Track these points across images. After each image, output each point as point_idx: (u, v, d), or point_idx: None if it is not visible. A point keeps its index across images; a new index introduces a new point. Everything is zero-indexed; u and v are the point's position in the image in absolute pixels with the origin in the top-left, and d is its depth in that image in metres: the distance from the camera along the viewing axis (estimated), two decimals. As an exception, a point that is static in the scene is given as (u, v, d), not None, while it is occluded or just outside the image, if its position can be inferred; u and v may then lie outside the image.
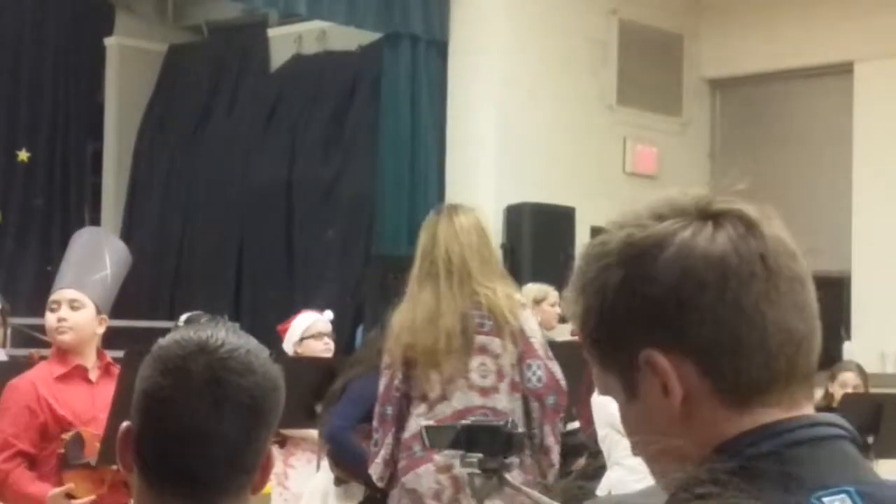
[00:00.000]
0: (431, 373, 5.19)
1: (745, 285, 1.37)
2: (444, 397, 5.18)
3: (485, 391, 5.18)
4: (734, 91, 12.28)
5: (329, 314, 7.44)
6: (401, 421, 5.21)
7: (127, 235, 12.80)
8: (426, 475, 5.12)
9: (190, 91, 12.83)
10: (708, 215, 1.41)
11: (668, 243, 1.38)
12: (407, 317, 5.17)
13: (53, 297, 4.93)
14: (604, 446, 7.13)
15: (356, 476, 5.85)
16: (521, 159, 10.75)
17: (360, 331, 10.57)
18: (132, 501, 1.95)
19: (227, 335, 1.93)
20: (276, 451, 4.32)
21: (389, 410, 5.21)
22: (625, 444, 6.80)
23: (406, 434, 5.20)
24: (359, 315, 10.76)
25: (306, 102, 11.91)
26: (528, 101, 10.82)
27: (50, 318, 4.93)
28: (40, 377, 4.94)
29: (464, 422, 4.03)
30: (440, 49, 10.94)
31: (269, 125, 12.12)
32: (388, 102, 10.97)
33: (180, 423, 1.87)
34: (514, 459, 4.32)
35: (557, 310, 9.05)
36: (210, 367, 1.87)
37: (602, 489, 7.16)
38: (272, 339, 10.78)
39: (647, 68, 11.68)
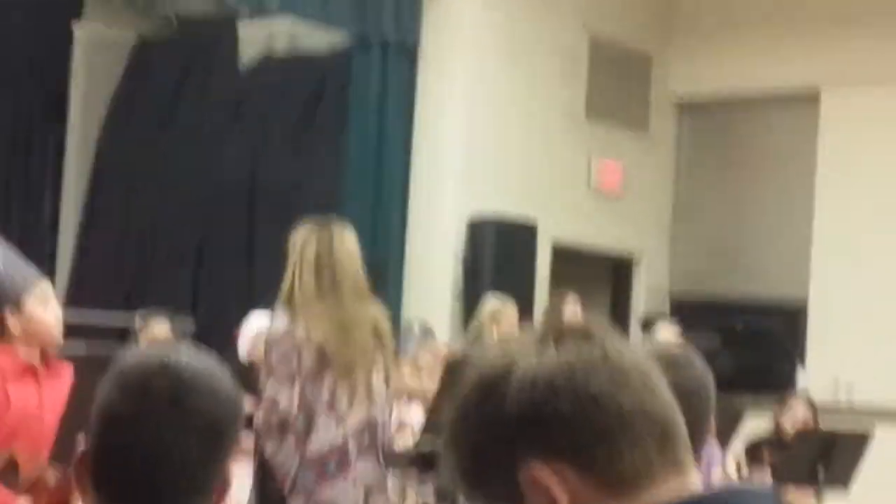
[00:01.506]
0: (342, 384, 5.26)
1: (590, 375, 1.42)
2: (349, 409, 5.21)
3: (377, 404, 5.34)
4: (701, 111, 12.32)
5: None
6: (308, 432, 5.23)
7: (87, 225, 12.73)
8: (343, 493, 5.13)
9: (157, 83, 12.73)
10: (549, 338, 1.47)
11: (515, 367, 1.44)
12: (316, 328, 5.22)
13: None
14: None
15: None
16: (486, 170, 10.75)
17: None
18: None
19: (189, 356, 1.90)
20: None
21: (301, 420, 5.22)
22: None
23: (314, 446, 5.17)
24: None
25: (274, 102, 11.84)
26: (496, 111, 10.82)
27: None
28: None
29: (424, 449, 4.02)
30: (410, 56, 10.92)
31: (236, 122, 12.05)
32: (356, 107, 10.94)
33: (141, 444, 1.85)
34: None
35: (515, 325, 9.03)
36: (172, 388, 1.85)
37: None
38: (230, 338, 10.78)
39: (616, 84, 11.70)
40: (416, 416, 6.47)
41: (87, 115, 12.80)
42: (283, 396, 5.21)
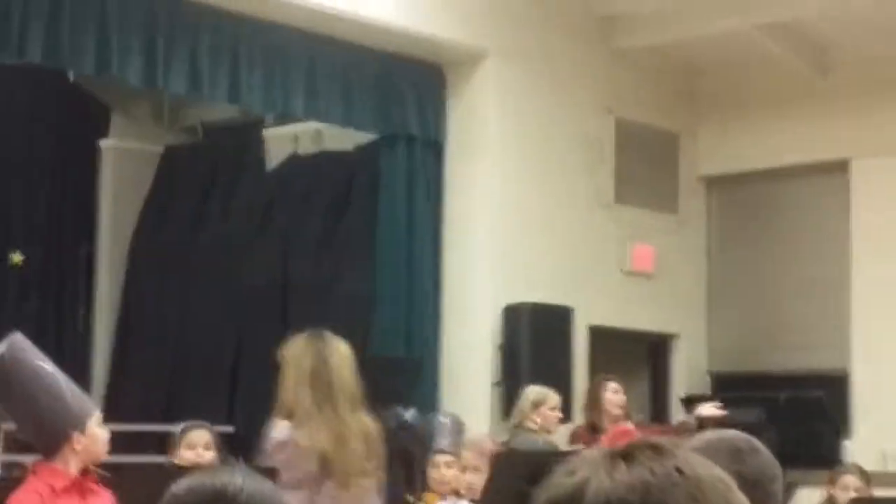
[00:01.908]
0: (342, 493, 5.41)
1: (667, 493, 1.38)
2: None
3: None
4: (730, 188, 12.28)
5: None
6: None
7: (122, 338, 12.73)
8: None
9: (185, 192, 12.80)
10: (618, 455, 1.43)
11: (587, 487, 1.40)
12: (317, 437, 5.37)
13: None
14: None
15: None
16: (519, 259, 10.71)
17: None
18: None
19: (244, 481, 1.86)
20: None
21: None
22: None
23: None
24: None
25: (302, 202, 11.88)
26: (525, 200, 10.80)
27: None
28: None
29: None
30: (436, 149, 10.95)
31: (265, 225, 12.09)
32: (384, 202, 10.95)
33: None
34: None
35: (557, 413, 8.98)
36: None
37: None
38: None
39: (644, 167, 11.69)
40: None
41: (117, 228, 12.86)
42: (293, 502, 5.24)
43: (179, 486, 1.86)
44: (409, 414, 6.55)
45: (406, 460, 6.20)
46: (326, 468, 5.38)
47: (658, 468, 1.39)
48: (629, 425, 9.09)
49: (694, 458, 1.43)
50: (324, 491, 5.37)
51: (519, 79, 10.87)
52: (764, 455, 2.84)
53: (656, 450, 1.42)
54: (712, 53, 11.68)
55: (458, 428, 8.55)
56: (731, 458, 2.68)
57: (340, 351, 5.66)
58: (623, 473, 1.40)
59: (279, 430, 5.48)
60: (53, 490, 4.95)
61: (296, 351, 5.62)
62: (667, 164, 11.97)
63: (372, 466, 5.55)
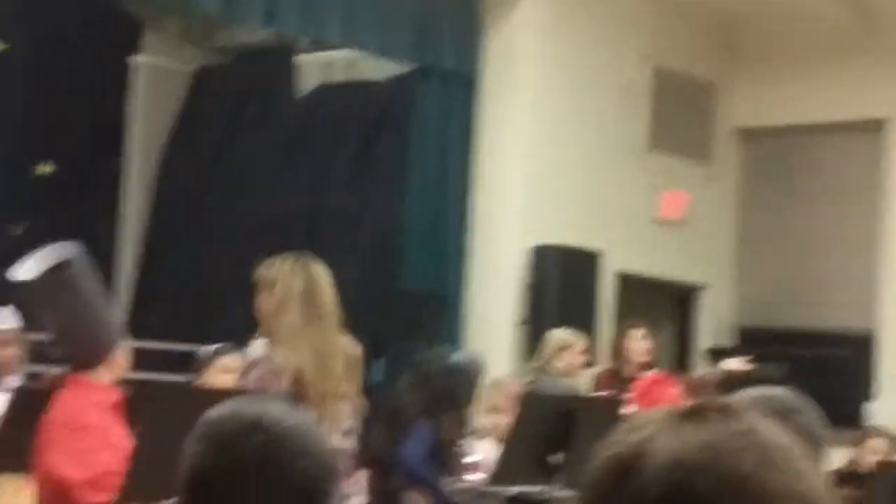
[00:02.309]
0: (315, 412, 5.23)
1: (736, 455, 1.31)
2: None
3: (345, 433, 5.54)
4: (765, 141, 12.14)
5: (259, 344, 7.31)
6: None
7: (146, 257, 12.68)
8: None
9: (216, 113, 12.70)
10: (684, 414, 1.36)
11: (651, 447, 1.33)
12: (293, 356, 5.38)
13: None
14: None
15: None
16: (549, 201, 10.61)
17: (377, 365, 10.42)
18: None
19: (282, 412, 1.77)
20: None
21: None
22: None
23: None
24: (376, 349, 10.57)
25: (333, 131, 11.76)
26: (558, 143, 10.69)
27: None
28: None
29: (510, 491, 3.88)
30: (471, 85, 10.82)
31: (294, 153, 11.98)
32: (416, 136, 10.84)
33: None
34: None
35: (582, 358, 8.90)
36: (266, 446, 1.72)
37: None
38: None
39: (680, 115, 11.55)
40: (487, 451, 6.32)
41: (146, 144, 12.79)
42: None
43: (215, 412, 1.76)
44: (459, 355, 6.49)
45: (452, 402, 6.12)
46: (300, 388, 5.38)
47: (728, 430, 1.32)
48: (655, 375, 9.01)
49: (764, 422, 1.36)
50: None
51: (558, 19, 10.73)
52: (812, 414, 2.75)
53: (726, 411, 1.34)
54: (755, 4, 11.51)
55: (475, 367, 8.48)
56: (781, 416, 2.59)
57: (325, 275, 5.69)
58: (690, 433, 1.32)
59: (255, 347, 5.56)
60: (105, 405, 4.96)
61: (284, 271, 5.64)
62: (703, 114, 11.84)
63: (350, 389, 5.58)
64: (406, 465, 6.05)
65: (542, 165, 10.64)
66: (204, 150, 12.59)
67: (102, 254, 12.44)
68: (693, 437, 1.31)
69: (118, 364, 5.08)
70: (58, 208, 12.33)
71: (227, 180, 12.25)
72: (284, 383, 5.37)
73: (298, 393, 5.34)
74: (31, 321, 5.90)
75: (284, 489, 1.71)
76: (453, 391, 6.18)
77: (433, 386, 6.03)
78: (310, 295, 5.53)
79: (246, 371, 5.43)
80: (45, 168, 12.33)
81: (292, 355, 5.39)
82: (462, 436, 6.14)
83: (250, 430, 1.73)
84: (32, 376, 7.81)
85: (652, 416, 1.37)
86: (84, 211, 12.56)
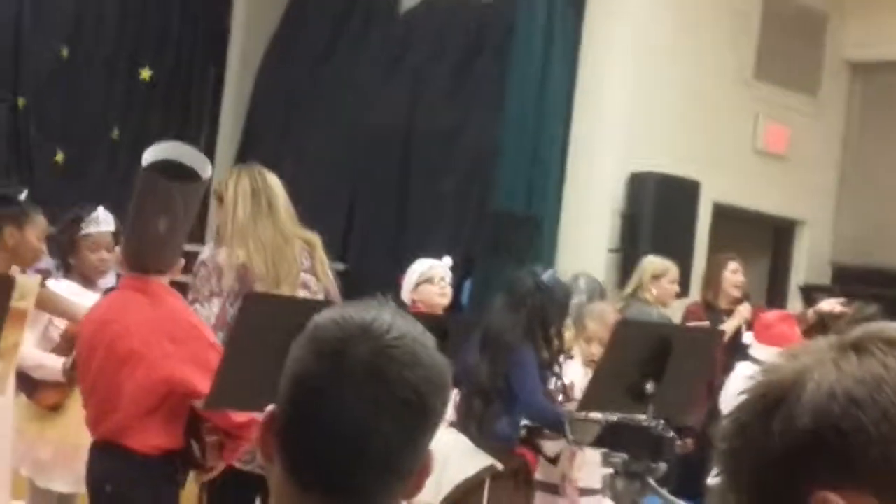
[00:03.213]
0: None
1: None
2: None
3: None
4: (874, 76, 11.85)
5: (448, 260, 7.29)
6: None
7: (240, 165, 12.71)
8: None
9: (317, 24, 12.64)
10: (848, 346, 1.29)
11: (809, 377, 1.27)
12: (242, 253, 5.53)
13: None
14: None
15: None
16: (650, 127, 10.45)
17: (466, 285, 10.38)
18: (271, 494, 1.73)
19: (393, 318, 1.71)
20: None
21: (220, 337, 5.34)
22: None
23: None
24: (467, 270, 10.54)
25: (433, 48, 11.67)
26: (663, 67, 10.51)
27: None
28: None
29: (611, 418, 3.80)
30: (577, 6, 10.64)
31: (394, 69, 11.90)
32: (518, 56, 10.70)
33: (335, 416, 1.65)
34: (661, 465, 4.11)
35: (675, 287, 8.81)
36: (374, 354, 1.65)
37: (714, 475, 6.95)
38: (379, 288, 10.60)
39: (788, 45, 11.29)
40: (577, 376, 6.27)
41: (247, 53, 12.80)
42: (202, 314, 5.46)
43: (322, 318, 1.70)
44: (547, 275, 6.40)
45: (542, 322, 6.05)
46: (245, 280, 5.54)
47: (893, 363, 1.24)
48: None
49: None
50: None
51: (669, -59, 10.52)
52: None
53: (892, 343, 1.26)
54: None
55: (593, 290, 8.39)
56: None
57: (276, 178, 5.82)
58: (852, 365, 1.26)
59: (203, 251, 5.74)
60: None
61: (232, 177, 5.81)
62: (812, 44, 11.56)
63: (309, 278, 5.68)
64: (535, 410, 5.98)
65: (644, 91, 10.48)
66: (303, 61, 12.55)
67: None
68: (854, 370, 1.25)
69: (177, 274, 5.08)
70: (157, 113, 12.39)
71: (326, 93, 12.21)
72: (229, 279, 5.55)
73: (244, 286, 5.51)
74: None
75: (390, 400, 1.65)
76: (546, 311, 6.09)
77: (527, 306, 5.93)
78: (257, 192, 5.66)
79: (195, 272, 5.54)
80: (147, 73, 12.37)
81: (237, 251, 5.56)
82: (556, 358, 6.06)
83: (358, 337, 1.67)
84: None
85: (812, 346, 1.32)
86: (183, 117, 12.62)
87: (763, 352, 6.87)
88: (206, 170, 4.81)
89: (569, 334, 6.27)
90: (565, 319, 6.51)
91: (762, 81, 11.14)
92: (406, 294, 6.98)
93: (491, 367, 5.95)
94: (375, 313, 1.70)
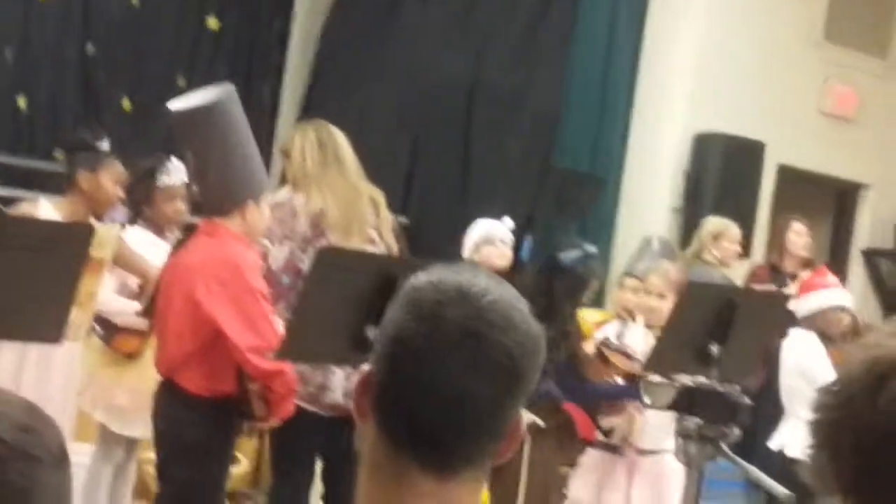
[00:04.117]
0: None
1: None
2: None
3: None
4: (945, 39, 11.70)
5: (509, 222, 7.30)
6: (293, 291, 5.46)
7: (305, 115, 12.75)
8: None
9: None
10: None
11: None
12: (317, 199, 5.62)
13: None
14: (784, 396, 6.91)
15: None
16: (716, 87, 10.40)
17: (526, 242, 10.38)
18: (363, 454, 1.77)
19: (488, 283, 1.74)
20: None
21: (287, 281, 5.52)
22: (808, 396, 6.58)
23: None
24: (528, 225, 10.54)
25: (500, 6, 11.62)
26: (730, 27, 10.44)
27: None
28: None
29: (688, 383, 3.82)
30: (645, -33, 10.59)
31: (461, 24, 11.87)
32: (585, 14, 10.68)
33: (431, 378, 1.68)
34: (735, 430, 4.12)
35: (737, 248, 8.78)
36: (470, 317, 1.68)
37: (775, 441, 6.96)
38: (439, 243, 10.70)
39: (858, 6, 11.18)
40: (636, 338, 6.27)
41: (311, 8, 12.80)
42: (273, 255, 5.58)
43: (419, 279, 1.73)
44: (573, 254, 6.42)
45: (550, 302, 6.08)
46: (319, 228, 5.62)
47: None
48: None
49: None
50: (313, 249, 5.48)
51: None
52: None
53: None
54: None
55: (665, 252, 8.37)
56: None
57: (341, 133, 5.91)
58: None
59: (279, 193, 5.78)
60: (256, 266, 5.12)
61: (299, 132, 5.94)
62: (882, 6, 11.44)
63: (374, 234, 5.75)
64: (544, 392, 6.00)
65: (711, 52, 10.42)
66: (370, 13, 12.54)
67: (265, 113, 12.57)
68: None
69: (255, 222, 5.11)
70: (223, 62, 12.44)
71: (390, 48, 12.21)
72: (303, 225, 5.62)
73: (317, 234, 5.59)
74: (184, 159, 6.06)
75: (485, 363, 1.68)
76: (553, 290, 6.10)
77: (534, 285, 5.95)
78: (324, 144, 5.75)
79: (271, 211, 5.58)
80: (214, 22, 12.42)
81: (314, 198, 5.63)
82: (563, 338, 6.06)
83: (455, 300, 1.70)
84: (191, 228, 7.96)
85: None
86: (249, 68, 12.66)
87: (803, 304, 6.90)
88: (211, 97, 4.95)
89: (630, 294, 6.25)
90: (579, 299, 6.51)
91: (831, 42, 11.05)
92: (466, 253, 7.02)
93: None
94: (471, 276, 1.74)
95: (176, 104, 5.13)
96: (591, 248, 7.05)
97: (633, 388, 5.13)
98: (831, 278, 7.31)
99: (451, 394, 1.68)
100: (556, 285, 6.23)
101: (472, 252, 7.04)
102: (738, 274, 9.13)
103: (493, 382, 1.69)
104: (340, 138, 5.88)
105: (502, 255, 6.99)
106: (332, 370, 5.47)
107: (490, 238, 7.01)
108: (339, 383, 5.51)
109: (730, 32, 10.41)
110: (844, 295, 7.14)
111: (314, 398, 5.48)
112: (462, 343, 1.68)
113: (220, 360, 4.92)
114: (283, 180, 5.98)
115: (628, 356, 5.44)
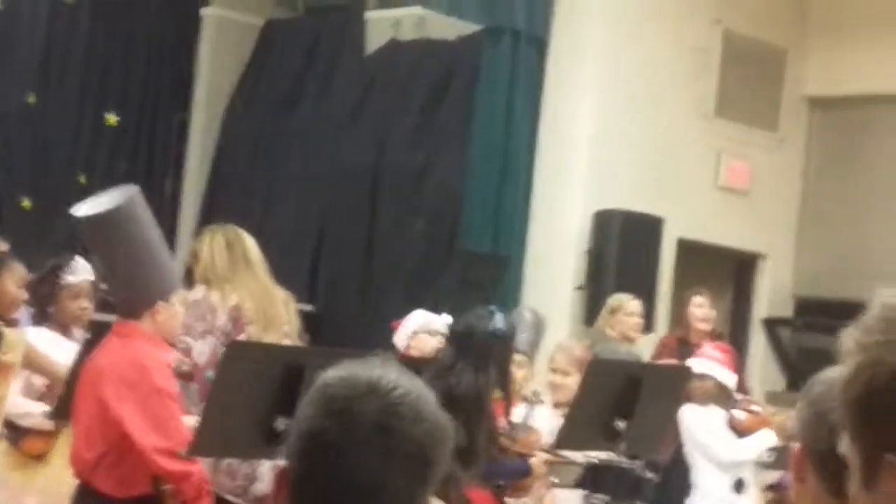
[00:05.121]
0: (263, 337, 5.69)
1: None
2: None
3: None
4: (834, 111, 12.01)
5: (447, 318, 7.33)
6: None
7: (207, 209, 12.76)
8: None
9: (283, 68, 12.73)
10: None
11: None
12: (233, 292, 5.73)
13: None
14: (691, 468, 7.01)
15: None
16: (613, 165, 10.57)
17: (498, 315, 10.38)
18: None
19: (398, 376, 1.80)
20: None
21: (211, 375, 5.51)
22: (704, 467, 6.68)
23: None
24: (435, 309, 10.60)
25: (400, 89, 11.77)
26: (625, 106, 10.64)
27: None
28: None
29: (592, 460, 3.89)
30: (539, 47, 10.79)
31: (361, 109, 11.99)
32: (483, 96, 10.84)
33: (345, 471, 1.74)
34: (639, 504, 4.21)
35: (636, 320, 8.86)
36: (380, 412, 1.75)
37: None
38: (346, 330, 10.69)
39: (748, 81, 11.45)
40: (542, 419, 6.31)
41: (212, 97, 12.86)
42: (197, 350, 5.69)
43: (329, 375, 1.79)
44: (498, 318, 6.43)
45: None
46: (238, 322, 5.74)
47: None
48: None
49: None
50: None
51: (628, -19, 10.67)
52: None
53: None
54: (828, -31, 11.39)
55: (537, 324, 8.43)
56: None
57: (247, 234, 6.04)
58: None
59: (194, 291, 5.86)
60: (166, 366, 5.06)
61: (205, 237, 6.04)
62: (772, 80, 11.72)
63: (288, 329, 5.89)
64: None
65: (607, 129, 10.60)
66: (270, 104, 12.63)
67: (166, 205, 12.58)
68: None
69: (168, 320, 5.10)
70: (123, 158, 12.44)
71: (293, 134, 12.29)
72: (222, 319, 5.73)
73: (236, 328, 5.71)
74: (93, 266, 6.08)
75: (398, 455, 1.74)
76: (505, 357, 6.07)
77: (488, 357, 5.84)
78: (232, 246, 5.89)
79: (187, 309, 5.61)
80: (112, 118, 12.42)
81: (229, 294, 5.75)
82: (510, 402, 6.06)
83: (365, 394, 1.76)
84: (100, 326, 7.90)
85: None
86: (149, 163, 12.67)
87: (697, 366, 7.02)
88: (116, 200, 5.00)
89: (520, 372, 6.29)
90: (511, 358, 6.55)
91: (723, 118, 11.29)
92: (401, 339, 7.05)
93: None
94: (381, 371, 1.80)
95: (80, 210, 5.10)
96: (492, 307, 7.09)
97: (524, 464, 5.16)
98: (706, 349, 7.46)
99: (367, 486, 1.73)
100: (492, 358, 6.20)
101: (407, 339, 7.08)
102: (645, 348, 9.23)
103: (406, 473, 1.75)
104: (249, 241, 6.00)
105: (436, 346, 7.04)
106: (260, 460, 5.48)
107: (428, 327, 7.06)
108: (267, 473, 5.52)
109: (624, 110, 10.61)
110: (703, 363, 7.19)
111: (243, 490, 5.49)
112: (374, 436, 1.73)
113: (133, 461, 4.89)
114: (190, 279, 6.02)
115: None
